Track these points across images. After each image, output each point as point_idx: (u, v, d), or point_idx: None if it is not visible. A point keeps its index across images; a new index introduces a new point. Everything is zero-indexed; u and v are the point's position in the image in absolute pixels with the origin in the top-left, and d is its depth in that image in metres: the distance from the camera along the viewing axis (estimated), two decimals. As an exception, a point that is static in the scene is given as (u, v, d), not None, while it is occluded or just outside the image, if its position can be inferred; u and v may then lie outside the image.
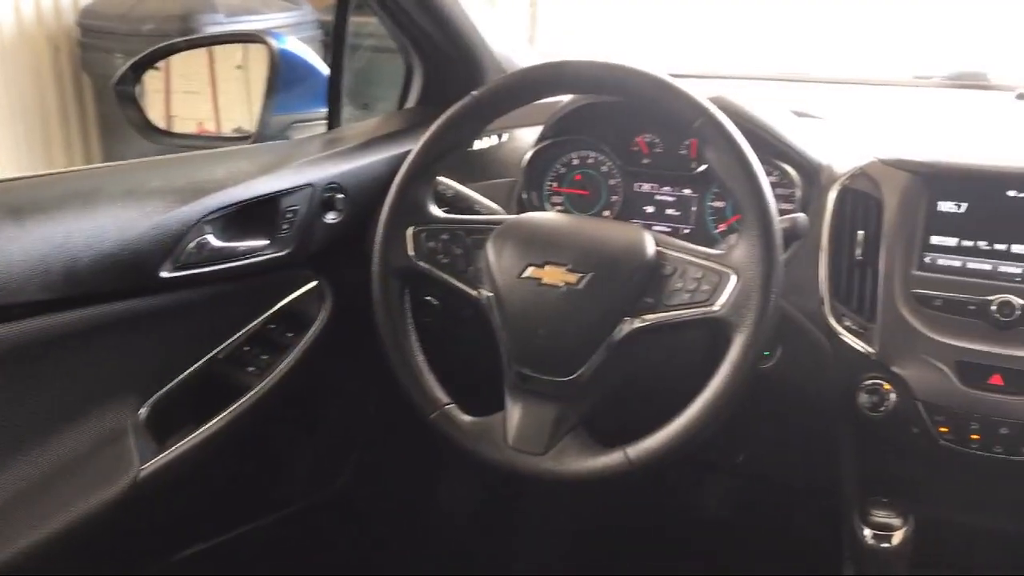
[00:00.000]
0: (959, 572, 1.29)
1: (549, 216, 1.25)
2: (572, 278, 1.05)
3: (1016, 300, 1.07)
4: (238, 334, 1.25)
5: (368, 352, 1.17)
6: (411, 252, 1.15)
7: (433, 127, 1.15)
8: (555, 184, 1.40)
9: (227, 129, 2.50)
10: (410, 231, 1.16)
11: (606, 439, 1.04)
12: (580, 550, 1.84)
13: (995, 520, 1.23)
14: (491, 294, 1.09)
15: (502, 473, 1.07)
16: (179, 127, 2.00)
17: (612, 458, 1.02)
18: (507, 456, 1.06)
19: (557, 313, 1.05)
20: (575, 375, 1.04)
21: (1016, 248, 1.10)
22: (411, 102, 1.56)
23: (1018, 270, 1.09)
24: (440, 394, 1.13)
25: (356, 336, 1.23)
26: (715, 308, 0.99)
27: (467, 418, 1.11)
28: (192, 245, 1.15)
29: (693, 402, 0.99)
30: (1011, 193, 1.10)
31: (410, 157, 1.16)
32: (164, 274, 1.14)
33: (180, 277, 1.15)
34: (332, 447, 1.53)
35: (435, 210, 1.18)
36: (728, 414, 1.00)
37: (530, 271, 1.07)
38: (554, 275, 1.06)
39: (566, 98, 1.35)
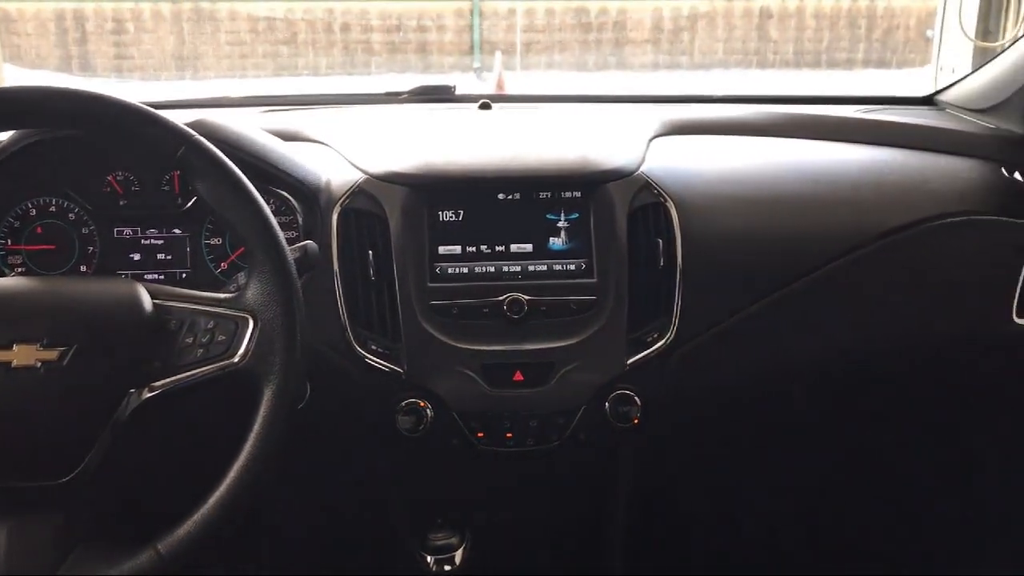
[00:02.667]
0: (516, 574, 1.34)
1: (6, 283, 1.01)
2: (51, 355, 0.84)
3: (522, 296, 1.11)
4: None
5: None
6: None
7: None
8: (10, 241, 1.16)
9: None
10: None
11: (144, 531, 0.86)
12: None
13: (536, 511, 1.29)
14: None
15: None
16: None
17: (141, 560, 0.84)
18: None
19: (38, 402, 0.84)
20: (75, 473, 0.84)
21: (515, 247, 1.15)
22: None
23: (519, 268, 1.15)
24: None
25: None
26: (236, 360, 0.87)
27: None
28: None
29: (227, 473, 0.86)
30: (501, 196, 1.15)
31: None
32: None
33: None
34: None
35: None
36: (273, 472, 0.89)
37: None
38: (26, 355, 0.84)
39: (3, 136, 1.12)
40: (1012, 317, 1.22)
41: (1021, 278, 1.23)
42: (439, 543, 1.20)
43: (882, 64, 7.22)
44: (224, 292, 0.92)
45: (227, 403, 0.95)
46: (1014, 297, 1.23)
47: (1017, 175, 1.35)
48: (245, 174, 0.92)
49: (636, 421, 1.13)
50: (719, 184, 1.25)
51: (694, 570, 1.58)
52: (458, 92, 1.58)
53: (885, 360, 1.25)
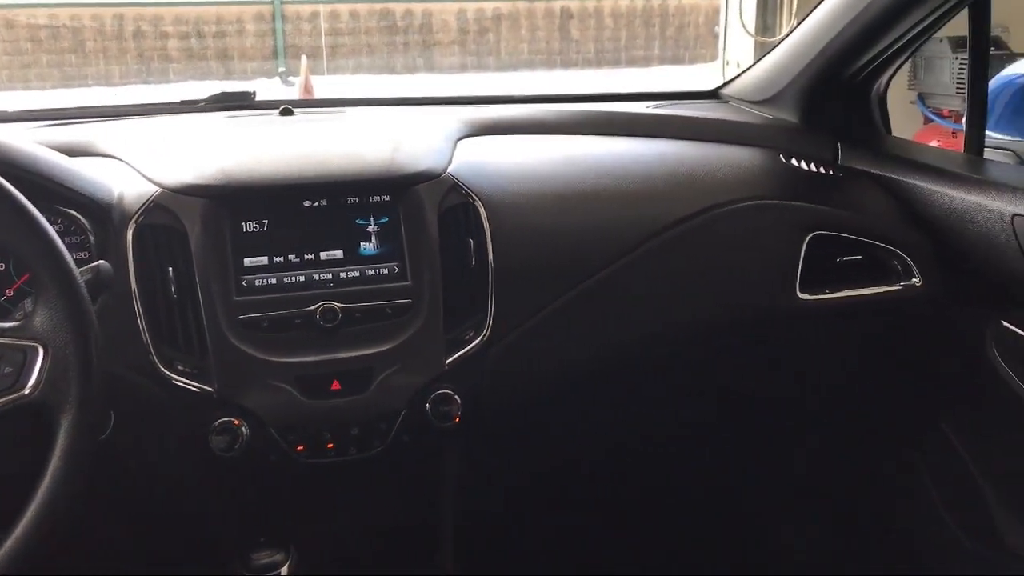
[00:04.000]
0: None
1: None
2: None
3: (336, 304, 1.10)
4: None
5: None
6: None
7: None
8: None
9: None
10: None
11: None
12: None
13: (363, 519, 1.28)
14: None
15: None
16: None
17: None
18: None
19: None
20: None
21: (324, 255, 1.13)
22: None
23: (330, 276, 1.13)
24: None
25: None
26: (26, 391, 0.82)
27: None
28: None
29: (22, 517, 0.80)
30: (307, 203, 1.13)
31: None
32: None
33: None
34: None
35: None
36: (76, 509, 0.84)
37: None
38: None
39: None
40: (796, 292, 1.32)
41: (802, 256, 1.33)
42: (263, 562, 1.17)
43: (676, 60, 7.61)
44: (9, 321, 0.86)
45: (20, 440, 0.88)
46: (796, 274, 1.33)
47: (794, 161, 1.46)
48: (25, 193, 0.87)
49: (457, 419, 1.14)
50: (525, 182, 1.29)
51: (527, 567, 1.62)
52: (258, 98, 1.54)
53: (687, 340, 1.32)
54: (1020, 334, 1.36)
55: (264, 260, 1.12)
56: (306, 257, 1.13)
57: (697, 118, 1.57)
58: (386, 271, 1.15)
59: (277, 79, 6.75)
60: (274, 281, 1.11)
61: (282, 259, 1.12)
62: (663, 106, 1.71)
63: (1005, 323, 1.38)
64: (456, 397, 1.14)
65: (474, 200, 1.19)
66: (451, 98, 1.68)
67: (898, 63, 1.53)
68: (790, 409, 1.60)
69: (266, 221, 1.12)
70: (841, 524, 1.79)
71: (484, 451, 1.34)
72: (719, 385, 1.49)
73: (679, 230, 1.28)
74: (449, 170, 1.20)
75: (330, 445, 1.09)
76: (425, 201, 1.16)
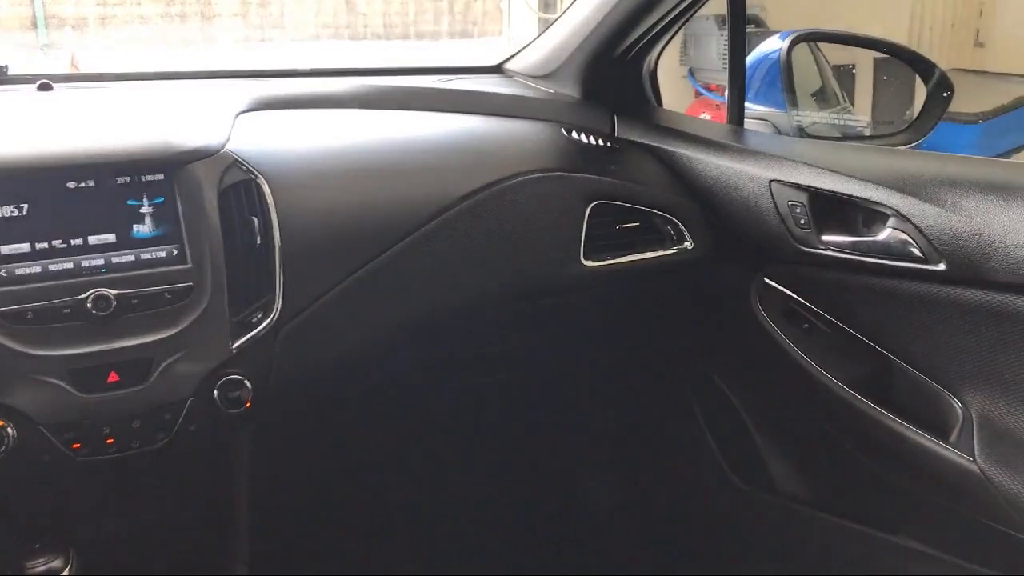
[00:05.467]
0: None
1: None
2: None
3: (109, 291, 1.04)
4: None
5: None
6: None
7: None
8: None
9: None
10: None
11: None
12: None
13: (150, 516, 1.23)
14: None
15: None
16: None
17: None
18: None
19: None
20: None
21: (94, 239, 1.06)
22: None
23: (101, 261, 1.06)
24: None
25: None
26: None
27: None
28: None
29: None
30: (71, 184, 1.05)
31: None
32: None
33: None
34: None
35: None
36: None
37: None
38: None
39: None
40: (581, 260, 1.38)
41: (584, 225, 1.39)
42: (39, 570, 1.09)
43: (465, 35, 7.66)
44: None
45: None
46: (581, 243, 1.38)
47: (574, 134, 1.52)
48: None
49: (248, 405, 1.11)
50: (311, 159, 1.26)
51: (327, 562, 1.60)
52: (11, 73, 1.42)
53: (480, 312, 1.35)
54: (778, 288, 1.49)
55: (25, 247, 1.03)
56: (73, 242, 1.05)
57: (483, 92, 1.60)
58: (163, 254, 1.09)
59: (40, 52, 6.21)
60: (38, 269, 1.03)
61: (46, 245, 1.04)
62: (448, 80, 1.72)
63: (766, 279, 1.50)
64: (246, 382, 1.11)
65: (256, 177, 1.15)
66: (230, 71, 1.62)
67: (665, 40, 1.61)
68: (582, 369, 1.67)
69: (25, 205, 1.03)
70: (631, 473, 1.90)
71: (278, 438, 1.32)
72: (512, 353, 1.53)
73: (468, 204, 1.30)
74: (228, 147, 1.15)
75: (110, 440, 1.04)
76: (203, 180, 1.11)
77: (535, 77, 1.70)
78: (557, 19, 1.69)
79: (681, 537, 1.84)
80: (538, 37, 1.75)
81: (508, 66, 1.80)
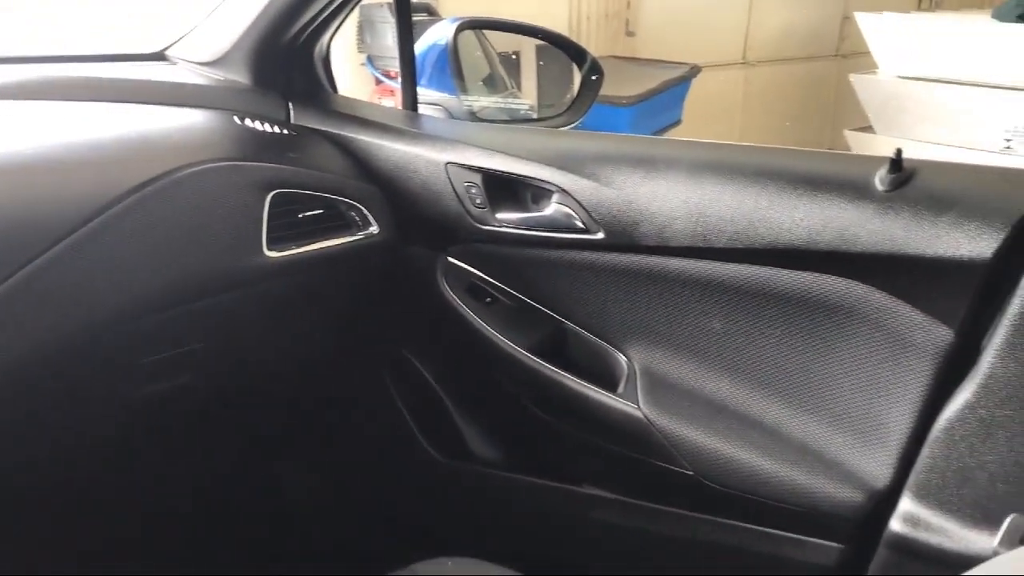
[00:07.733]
0: None
1: None
2: None
3: None
4: None
5: None
6: None
7: None
8: None
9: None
10: None
11: None
12: None
13: None
14: None
15: None
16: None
17: None
18: None
19: None
20: None
21: None
22: None
23: None
24: None
25: None
26: None
27: None
28: None
29: None
30: None
31: None
32: None
33: None
34: None
35: None
36: None
37: None
38: None
39: None
40: (263, 251, 1.36)
41: (265, 214, 1.36)
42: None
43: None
44: None
45: None
46: (262, 233, 1.36)
47: (248, 121, 1.48)
48: None
49: None
50: None
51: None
52: None
53: (158, 312, 1.28)
54: (461, 266, 1.56)
55: None
56: None
57: (145, 81, 1.51)
58: None
59: None
60: None
61: None
62: (106, 69, 1.61)
63: (450, 258, 1.57)
64: None
65: None
66: None
67: (335, 25, 1.62)
68: (280, 360, 1.64)
69: None
70: (336, 462, 1.90)
71: None
72: (196, 351, 1.47)
73: (136, 198, 1.23)
74: None
75: None
76: None
77: (202, 64, 1.63)
78: (221, 2, 1.63)
79: (388, 518, 1.88)
80: (203, 21, 1.68)
81: (172, 52, 1.71)
